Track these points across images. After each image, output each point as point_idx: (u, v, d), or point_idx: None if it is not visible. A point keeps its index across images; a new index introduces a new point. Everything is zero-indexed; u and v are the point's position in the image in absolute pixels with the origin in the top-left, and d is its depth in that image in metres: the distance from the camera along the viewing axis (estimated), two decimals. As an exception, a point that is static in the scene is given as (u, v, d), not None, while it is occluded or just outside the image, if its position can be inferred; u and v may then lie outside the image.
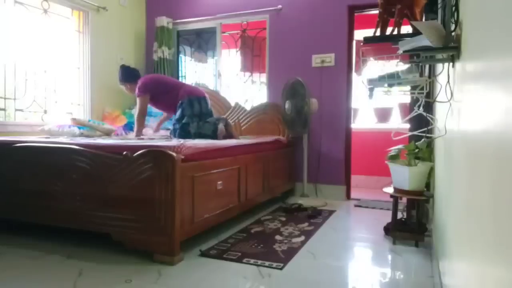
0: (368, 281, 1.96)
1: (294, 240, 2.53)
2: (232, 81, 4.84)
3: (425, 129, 2.65)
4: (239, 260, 2.15)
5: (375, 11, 3.77)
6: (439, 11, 1.82)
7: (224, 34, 4.66)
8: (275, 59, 4.26)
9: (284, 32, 4.20)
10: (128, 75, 3.59)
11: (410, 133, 2.71)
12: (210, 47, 4.80)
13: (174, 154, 2.06)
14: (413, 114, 2.57)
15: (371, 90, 2.05)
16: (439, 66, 2.11)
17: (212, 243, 2.43)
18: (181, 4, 4.74)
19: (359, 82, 4.20)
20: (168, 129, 4.25)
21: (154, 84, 3.50)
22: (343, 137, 3.99)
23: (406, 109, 4.02)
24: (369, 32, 2.59)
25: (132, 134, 3.60)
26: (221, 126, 3.25)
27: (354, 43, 4.07)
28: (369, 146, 4.91)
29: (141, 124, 3.50)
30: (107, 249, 2.28)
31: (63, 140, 2.65)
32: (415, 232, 2.44)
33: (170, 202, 2.04)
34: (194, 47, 4.93)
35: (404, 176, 2.41)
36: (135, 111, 3.55)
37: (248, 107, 4.33)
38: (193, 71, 4.99)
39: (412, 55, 1.80)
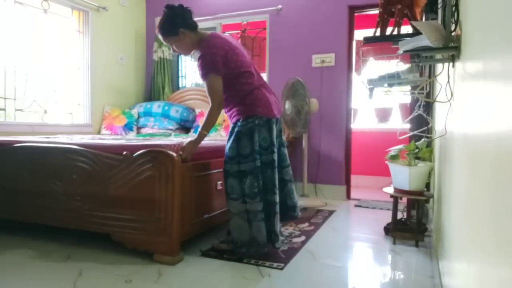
0: (368, 281, 1.96)
1: (295, 240, 2.53)
2: (232, 81, 4.83)
3: (425, 128, 2.65)
4: (239, 260, 2.15)
5: (375, 11, 3.77)
6: (439, 11, 1.82)
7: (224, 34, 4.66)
8: (275, 59, 4.26)
9: (284, 32, 4.20)
10: None
11: (413, 133, 2.71)
12: (210, 47, 4.80)
13: (174, 154, 2.06)
14: (414, 114, 2.57)
15: (371, 90, 2.05)
16: (439, 66, 2.11)
17: (212, 243, 2.43)
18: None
19: (359, 82, 4.20)
20: (169, 128, 4.25)
21: None
22: (343, 137, 3.99)
23: (407, 109, 4.02)
24: (369, 32, 2.60)
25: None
26: None
27: (354, 43, 4.07)
28: (369, 146, 4.91)
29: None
30: (107, 249, 2.28)
31: (63, 140, 2.65)
32: (415, 232, 2.44)
33: (170, 202, 2.04)
34: (194, 47, 4.93)
35: (404, 176, 2.41)
36: None
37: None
38: (193, 71, 4.99)
39: (412, 55, 1.80)
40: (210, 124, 2.19)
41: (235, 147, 2.14)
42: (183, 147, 2.17)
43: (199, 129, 2.20)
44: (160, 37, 2.24)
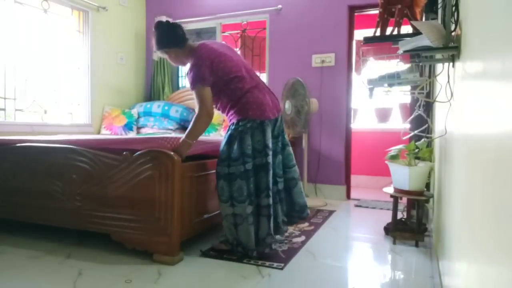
0: (368, 281, 1.95)
1: (295, 240, 2.53)
2: (232, 81, 4.83)
3: (423, 127, 2.65)
4: (239, 260, 2.15)
5: (375, 11, 3.77)
6: (439, 11, 1.82)
7: (224, 34, 4.66)
8: (275, 59, 4.26)
9: (284, 32, 4.20)
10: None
11: (414, 132, 2.71)
12: (210, 47, 4.79)
13: (174, 154, 2.06)
14: (415, 114, 2.57)
15: (371, 90, 2.05)
16: (439, 66, 2.11)
17: (212, 243, 2.43)
18: (181, 4, 4.74)
19: (359, 82, 4.20)
20: (169, 128, 4.25)
21: None
22: (343, 137, 3.99)
23: (407, 109, 4.03)
24: (369, 32, 2.60)
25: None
26: None
27: (354, 43, 4.08)
28: (369, 146, 4.91)
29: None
30: (107, 249, 2.27)
31: (63, 139, 2.65)
32: (415, 232, 2.44)
33: (170, 202, 2.04)
34: (194, 47, 4.93)
35: (404, 176, 2.41)
36: None
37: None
38: (193, 71, 4.98)
39: (413, 55, 1.80)
40: (196, 132, 2.19)
41: (226, 150, 2.16)
42: (174, 149, 2.14)
43: (183, 137, 2.18)
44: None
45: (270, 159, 2.14)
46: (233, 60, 2.25)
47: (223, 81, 2.19)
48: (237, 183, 2.10)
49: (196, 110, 2.20)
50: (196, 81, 2.17)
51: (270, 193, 2.13)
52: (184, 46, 2.27)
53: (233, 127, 2.18)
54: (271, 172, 2.15)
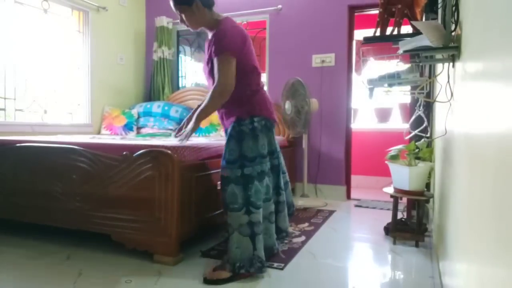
0: (368, 281, 1.95)
1: (295, 240, 2.53)
2: (232, 81, 4.82)
3: (422, 127, 2.65)
4: (239, 260, 2.15)
5: (375, 11, 3.77)
6: (439, 11, 1.82)
7: (224, 34, 4.65)
8: (275, 59, 4.26)
9: (284, 32, 4.20)
10: None
11: (415, 132, 2.71)
12: (210, 47, 4.79)
13: (174, 154, 2.06)
14: (416, 115, 2.57)
15: (371, 90, 2.05)
16: (439, 66, 2.11)
17: (212, 243, 2.43)
18: (181, 4, 4.73)
19: (359, 82, 4.20)
20: (169, 128, 4.25)
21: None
22: (343, 137, 3.99)
23: (407, 109, 4.03)
24: (369, 32, 2.60)
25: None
26: None
27: (354, 43, 4.07)
28: (369, 146, 4.91)
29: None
30: (107, 249, 2.27)
31: (63, 140, 2.65)
32: (415, 232, 2.44)
33: (170, 202, 2.04)
34: (194, 47, 4.93)
35: (404, 176, 2.41)
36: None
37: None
38: (193, 71, 4.99)
39: (413, 55, 1.80)
40: (211, 109, 1.95)
41: (236, 149, 1.92)
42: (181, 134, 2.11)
43: (199, 111, 1.96)
44: (171, 2, 1.98)
45: (280, 160, 2.23)
46: (253, 53, 2.09)
47: (244, 69, 1.96)
48: (254, 186, 1.89)
49: (216, 81, 1.90)
50: (227, 47, 1.86)
51: (281, 191, 2.21)
52: (211, 9, 2.01)
53: (245, 122, 1.94)
54: (280, 173, 2.24)
